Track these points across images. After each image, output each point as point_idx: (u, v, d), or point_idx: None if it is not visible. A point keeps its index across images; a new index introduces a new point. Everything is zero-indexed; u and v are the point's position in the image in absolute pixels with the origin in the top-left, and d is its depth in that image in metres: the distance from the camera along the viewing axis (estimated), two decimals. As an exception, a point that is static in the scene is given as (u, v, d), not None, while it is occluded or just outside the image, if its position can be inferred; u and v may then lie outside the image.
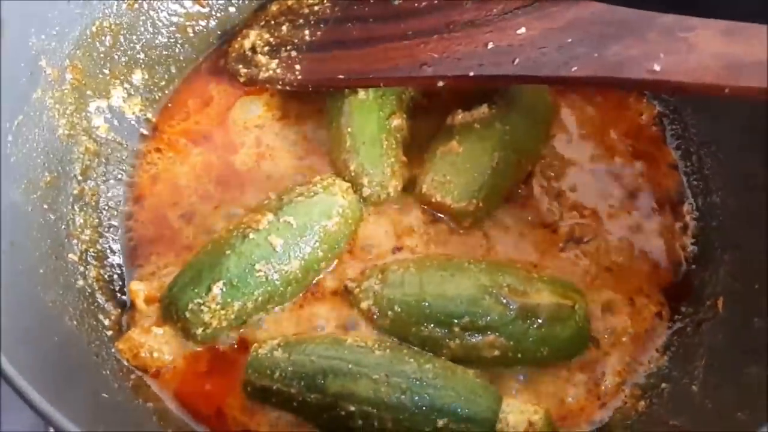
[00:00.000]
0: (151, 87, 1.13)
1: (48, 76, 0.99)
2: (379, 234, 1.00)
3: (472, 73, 0.97)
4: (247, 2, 1.20)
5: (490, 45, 0.97)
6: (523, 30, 0.97)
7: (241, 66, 1.13)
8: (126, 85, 1.10)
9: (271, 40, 1.14)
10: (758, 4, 0.91)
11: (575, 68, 0.90)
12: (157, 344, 0.91)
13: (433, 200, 1.00)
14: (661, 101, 1.12)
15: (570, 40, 0.92)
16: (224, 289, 0.90)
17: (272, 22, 1.17)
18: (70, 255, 0.95)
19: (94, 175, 1.04)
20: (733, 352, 0.87)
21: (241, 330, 0.94)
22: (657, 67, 0.86)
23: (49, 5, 0.98)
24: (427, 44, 1.02)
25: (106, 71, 1.08)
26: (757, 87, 0.81)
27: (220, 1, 1.18)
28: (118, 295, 0.98)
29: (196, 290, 0.90)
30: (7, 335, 0.73)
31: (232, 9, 1.19)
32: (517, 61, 0.94)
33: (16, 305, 0.80)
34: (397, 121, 1.06)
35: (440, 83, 1.00)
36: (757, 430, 0.71)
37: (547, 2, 0.99)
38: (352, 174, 1.01)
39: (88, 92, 1.05)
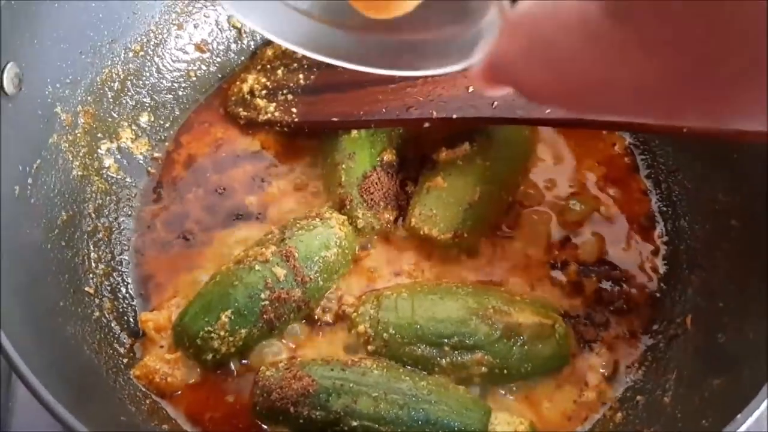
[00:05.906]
0: (157, 128, 1.19)
1: (62, 121, 1.06)
2: (376, 262, 1.07)
3: (455, 116, 1.05)
4: (244, 47, 1.28)
5: (471, 89, 1.05)
6: (500, 75, 1.06)
7: (240, 109, 1.20)
8: (134, 127, 1.17)
9: (268, 83, 1.21)
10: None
11: (548, 110, 0.98)
12: (170, 370, 0.97)
13: (421, 233, 1.06)
14: (631, 133, 1.19)
15: (543, 84, 1.01)
16: (232, 318, 0.96)
17: (268, 66, 1.24)
18: (86, 288, 1.02)
19: (106, 212, 1.10)
20: (700, 365, 0.94)
21: (249, 354, 1.00)
22: (622, 108, 0.94)
23: (63, 56, 1.06)
24: (413, 88, 1.10)
25: (116, 114, 1.15)
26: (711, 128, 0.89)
27: (219, 47, 1.26)
28: (132, 324, 1.03)
29: (206, 319, 0.96)
30: (35, 362, 0.79)
31: (231, 54, 1.27)
32: (495, 104, 1.03)
33: (43, 335, 0.87)
34: (387, 157, 1.13)
35: (426, 124, 1.08)
36: (720, 433, 0.78)
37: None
38: (347, 207, 1.08)
39: (99, 135, 1.12)
